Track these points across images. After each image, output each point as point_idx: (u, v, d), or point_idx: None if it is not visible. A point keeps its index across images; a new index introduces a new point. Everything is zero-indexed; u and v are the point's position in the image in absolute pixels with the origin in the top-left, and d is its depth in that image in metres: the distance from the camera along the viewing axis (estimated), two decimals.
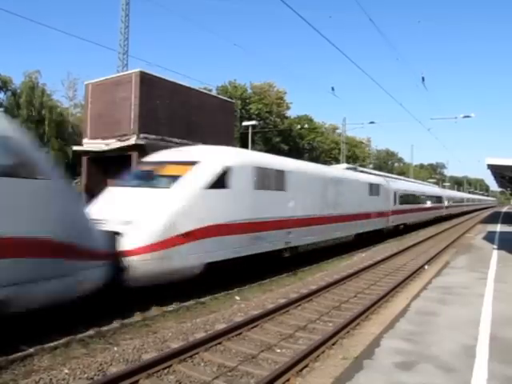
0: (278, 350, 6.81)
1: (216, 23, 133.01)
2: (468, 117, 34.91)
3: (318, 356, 6.41)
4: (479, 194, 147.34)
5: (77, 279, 6.95)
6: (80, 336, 6.98)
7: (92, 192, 12.84)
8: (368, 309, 8.88)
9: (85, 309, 7.85)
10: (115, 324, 7.67)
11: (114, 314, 7.94)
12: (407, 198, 30.09)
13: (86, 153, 20.49)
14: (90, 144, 20.33)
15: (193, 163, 10.36)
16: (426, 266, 14.57)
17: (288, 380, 5.60)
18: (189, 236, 9.02)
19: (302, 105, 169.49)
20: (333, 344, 6.92)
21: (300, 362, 6.02)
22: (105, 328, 7.42)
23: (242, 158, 11.98)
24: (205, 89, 36.66)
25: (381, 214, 23.02)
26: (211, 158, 10.93)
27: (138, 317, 8.17)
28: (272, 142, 55.78)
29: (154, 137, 18.73)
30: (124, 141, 18.34)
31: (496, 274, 11.97)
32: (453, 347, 6.16)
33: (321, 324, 8.28)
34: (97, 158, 20.04)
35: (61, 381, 5.47)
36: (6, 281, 5.77)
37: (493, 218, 50.89)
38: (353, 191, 18.93)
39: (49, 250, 6.27)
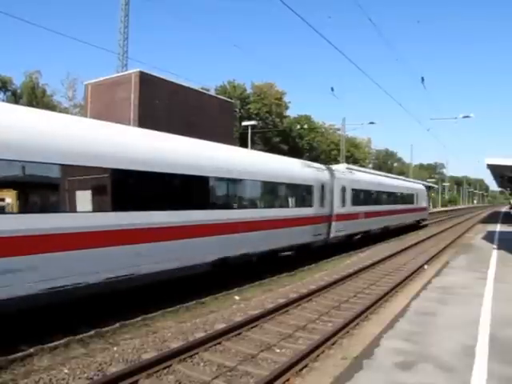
0: (278, 350, 6.81)
1: (215, 23, 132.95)
2: (467, 117, 34.98)
3: (317, 356, 6.41)
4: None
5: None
6: (80, 336, 6.98)
7: None
8: (368, 309, 8.88)
9: (85, 309, 7.86)
10: (115, 324, 7.67)
11: (113, 314, 7.93)
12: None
13: None
14: None
15: None
16: (426, 266, 14.57)
17: (288, 380, 5.60)
18: None
19: (302, 105, 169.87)
20: (332, 344, 6.93)
21: (299, 362, 6.02)
22: (104, 328, 7.42)
23: None
24: (202, 89, 36.62)
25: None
26: None
27: (137, 317, 8.17)
28: (272, 141, 55.78)
29: None
30: None
31: (496, 274, 11.97)
32: (452, 347, 6.16)
33: (320, 324, 8.28)
34: None
35: (60, 380, 5.47)
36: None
37: (492, 218, 50.91)
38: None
39: None
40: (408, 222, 30.11)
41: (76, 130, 7.96)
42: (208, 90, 41.93)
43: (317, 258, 15.78)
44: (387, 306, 9.33)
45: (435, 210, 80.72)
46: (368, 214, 20.99)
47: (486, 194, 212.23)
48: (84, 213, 7.64)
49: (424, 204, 36.02)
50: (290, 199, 14.77)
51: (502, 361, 5.60)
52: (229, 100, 39.36)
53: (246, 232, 11.68)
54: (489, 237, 23.99)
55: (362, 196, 21.32)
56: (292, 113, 65.31)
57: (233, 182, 11.66)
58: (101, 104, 26.98)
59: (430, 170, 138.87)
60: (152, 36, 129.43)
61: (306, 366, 6.03)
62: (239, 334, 7.42)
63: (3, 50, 72.10)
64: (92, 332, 7.19)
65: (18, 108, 8.56)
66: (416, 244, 21.84)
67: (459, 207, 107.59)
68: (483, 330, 6.94)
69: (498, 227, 32.23)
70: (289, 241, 14.14)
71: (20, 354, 6.11)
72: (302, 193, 15.57)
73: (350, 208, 18.81)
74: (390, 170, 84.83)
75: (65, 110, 43.02)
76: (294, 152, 51.25)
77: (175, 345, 6.71)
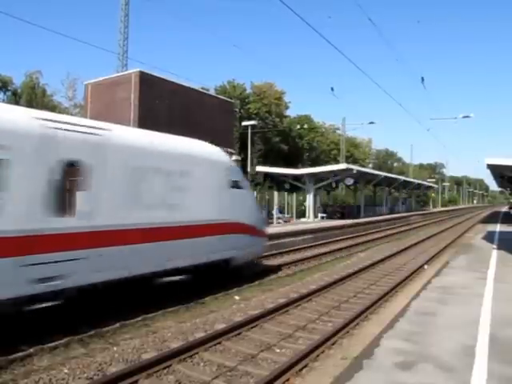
0: (278, 350, 6.81)
1: (215, 23, 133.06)
2: (467, 117, 35.04)
3: (317, 356, 6.41)
4: None
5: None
6: (80, 336, 6.98)
7: None
8: (368, 309, 8.89)
9: (85, 309, 7.86)
10: (115, 324, 7.66)
11: (113, 314, 7.93)
12: None
13: None
14: None
15: None
16: (426, 266, 14.57)
17: (288, 380, 5.60)
18: None
19: (302, 104, 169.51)
20: (332, 344, 6.93)
21: (299, 362, 6.02)
22: (104, 328, 7.41)
23: None
24: (202, 89, 36.59)
25: None
26: None
27: (137, 317, 8.16)
28: (271, 141, 55.74)
29: None
30: None
31: (496, 274, 11.96)
32: (452, 347, 6.16)
33: (320, 324, 8.28)
34: None
35: (60, 380, 5.47)
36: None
37: (492, 218, 50.91)
38: None
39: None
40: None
41: None
42: (208, 90, 41.92)
43: (317, 258, 15.77)
44: (387, 305, 9.33)
45: (435, 209, 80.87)
46: None
47: (486, 193, 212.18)
48: None
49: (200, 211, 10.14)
50: None
51: (502, 361, 5.60)
52: (229, 100, 39.34)
53: None
54: (489, 237, 23.99)
55: None
56: (292, 113, 65.27)
57: None
58: (101, 104, 26.97)
59: (429, 170, 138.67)
60: (152, 36, 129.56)
61: (305, 366, 6.03)
62: (239, 333, 7.42)
63: (3, 50, 72.19)
64: (92, 332, 7.18)
65: None
66: (416, 244, 21.86)
67: (459, 207, 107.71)
68: (483, 330, 6.94)
69: (498, 227, 32.23)
70: None
71: (20, 354, 6.10)
72: None
73: None
74: (390, 170, 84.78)
75: (65, 110, 43.00)
76: (294, 152, 51.23)
77: (175, 345, 6.71)
